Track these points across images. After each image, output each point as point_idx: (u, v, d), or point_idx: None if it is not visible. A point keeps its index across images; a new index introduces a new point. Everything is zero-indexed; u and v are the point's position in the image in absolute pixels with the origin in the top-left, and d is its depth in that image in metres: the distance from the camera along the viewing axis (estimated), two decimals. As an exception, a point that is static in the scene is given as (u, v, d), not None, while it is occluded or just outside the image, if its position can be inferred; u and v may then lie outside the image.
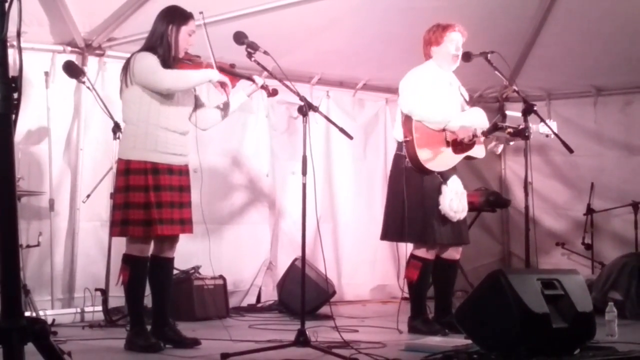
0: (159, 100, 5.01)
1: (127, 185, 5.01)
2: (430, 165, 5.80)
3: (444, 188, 5.81)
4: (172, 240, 5.21)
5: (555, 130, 6.01)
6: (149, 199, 4.96)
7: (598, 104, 8.56)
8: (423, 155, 5.77)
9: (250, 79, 5.27)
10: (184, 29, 5.06)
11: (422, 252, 5.90)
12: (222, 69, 5.09)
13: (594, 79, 8.41)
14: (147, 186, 4.97)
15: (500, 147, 6.17)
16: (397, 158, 5.97)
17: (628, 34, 7.46)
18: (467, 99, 6.17)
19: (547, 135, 6.09)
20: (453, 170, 5.96)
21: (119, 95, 6.78)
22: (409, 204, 5.80)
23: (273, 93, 5.24)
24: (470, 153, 5.96)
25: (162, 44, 5.04)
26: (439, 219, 5.82)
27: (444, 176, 5.86)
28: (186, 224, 5.17)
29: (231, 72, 5.18)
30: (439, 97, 5.87)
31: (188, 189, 5.21)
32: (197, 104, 5.35)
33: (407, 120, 5.84)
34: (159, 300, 5.24)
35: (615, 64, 7.96)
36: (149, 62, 4.99)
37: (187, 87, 5.10)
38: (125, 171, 5.04)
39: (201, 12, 5.07)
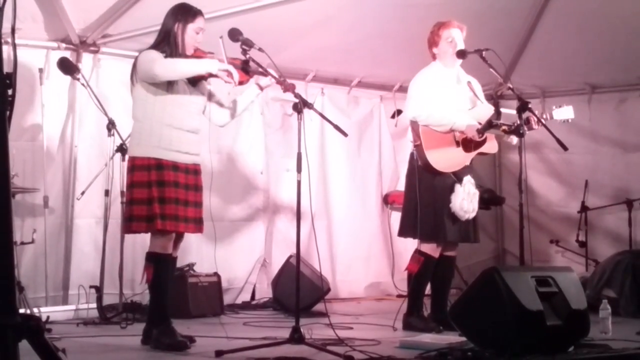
0: (164, 97, 4.98)
1: (132, 182, 5.01)
2: (441, 167, 5.84)
3: (457, 187, 5.84)
4: (177, 238, 5.16)
5: (572, 115, 6.03)
6: (151, 195, 4.93)
7: (592, 102, 8.56)
8: (433, 158, 5.82)
9: (264, 74, 5.13)
10: (191, 26, 5.03)
11: (427, 248, 5.94)
12: (234, 66, 5.03)
13: (588, 77, 8.41)
14: (150, 182, 4.94)
15: (516, 139, 6.12)
16: (411, 157, 6.01)
17: (622, 31, 7.47)
18: (479, 92, 6.14)
19: (565, 120, 6.07)
20: (468, 169, 5.98)
21: (113, 93, 6.81)
22: (422, 202, 5.84)
23: (289, 88, 5.05)
24: (483, 150, 5.99)
25: (168, 41, 5.02)
26: (449, 217, 5.86)
27: (458, 176, 5.88)
28: (190, 223, 5.10)
29: (244, 69, 5.10)
30: (444, 99, 5.88)
31: (197, 188, 5.14)
32: (213, 101, 5.31)
33: (414, 125, 5.90)
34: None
35: (610, 62, 7.97)
36: (150, 55, 4.97)
37: (181, 76, 4.99)
38: (131, 168, 5.03)
39: (221, 37, 4.99)
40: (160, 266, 5.05)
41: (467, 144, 5.92)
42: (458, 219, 5.88)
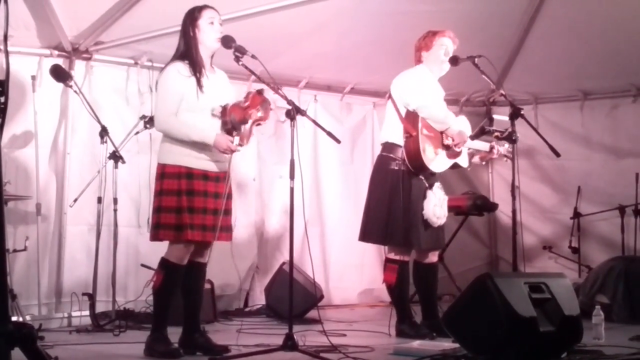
0: (194, 104, 4.93)
1: (161, 189, 4.96)
2: (430, 165, 5.78)
3: (429, 193, 5.82)
4: (203, 246, 5.10)
5: (510, 156, 6.01)
6: (180, 204, 4.89)
7: (585, 108, 8.58)
8: (426, 152, 5.76)
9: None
10: (201, 21, 4.99)
11: (398, 255, 5.90)
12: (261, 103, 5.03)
13: (581, 83, 8.43)
14: (180, 190, 4.90)
15: (477, 158, 6.21)
16: (383, 159, 5.93)
17: (615, 38, 7.48)
18: None
19: (506, 159, 6.14)
20: (434, 176, 5.97)
21: (106, 100, 6.75)
22: (396, 208, 5.80)
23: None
24: (457, 160, 6.00)
25: (190, 46, 4.99)
26: (422, 224, 5.83)
27: (429, 181, 5.87)
28: (222, 232, 5.05)
29: (265, 107, 5.07)
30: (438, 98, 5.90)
31: (227, 195, 5.09)
32: None
33: (412, 115, 5.80)
34: (190, 305, 5.13)
35: (602, 68, 7.98)
36: (164, 91, 4.96)
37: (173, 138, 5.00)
38: (161, 175, 4.98)
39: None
40: (171, 276, 4.99)
41: (449, 150, 5.92)
42: (430, 226, 5.85)
